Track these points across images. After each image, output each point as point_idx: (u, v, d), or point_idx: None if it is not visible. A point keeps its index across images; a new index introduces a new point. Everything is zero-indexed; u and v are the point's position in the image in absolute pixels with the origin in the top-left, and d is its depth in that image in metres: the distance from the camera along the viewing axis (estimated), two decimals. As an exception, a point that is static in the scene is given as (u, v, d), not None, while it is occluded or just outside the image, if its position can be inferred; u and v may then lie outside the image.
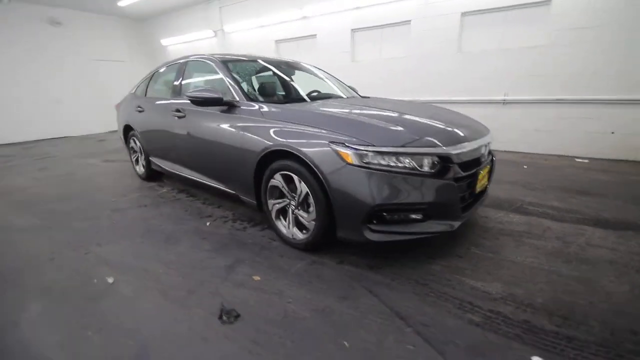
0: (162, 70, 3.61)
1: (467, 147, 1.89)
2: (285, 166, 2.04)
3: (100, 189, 3.76)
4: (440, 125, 2.02)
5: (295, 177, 2.00)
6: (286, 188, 2.12)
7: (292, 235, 2.17)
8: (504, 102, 5.02)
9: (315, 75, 3.43)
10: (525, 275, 1.85)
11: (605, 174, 3.76)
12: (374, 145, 1.73)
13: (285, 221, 2.24)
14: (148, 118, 3.50)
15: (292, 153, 1.98)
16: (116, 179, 4.18)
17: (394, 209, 1.75)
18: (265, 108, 2.26)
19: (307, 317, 1.53)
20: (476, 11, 4.94)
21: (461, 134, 1.96)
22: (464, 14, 5.06)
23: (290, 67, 3.31)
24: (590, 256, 2.03)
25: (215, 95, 2.39)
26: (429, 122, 2.06)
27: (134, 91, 4.04)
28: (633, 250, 2.09)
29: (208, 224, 2.68)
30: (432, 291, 1.71)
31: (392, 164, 1.73)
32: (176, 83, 3.17)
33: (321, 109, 2.29)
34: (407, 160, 1.74)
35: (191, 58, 3.14)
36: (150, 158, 3.72)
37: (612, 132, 4.35)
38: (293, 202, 2.13)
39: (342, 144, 1.77)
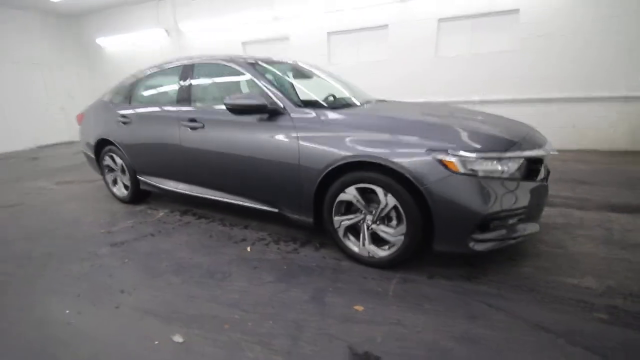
0: (150, 73, 3.07)
1: (549, 148, 1.92)
2: (365, 178, 1.84)
3: (75, 220, 3.05)
4: (519, 129, 2.01)
5: (380, 190, 1.81)
6: (362, 202, 1.91)
7: (369, 253, 1.97)
8: (480, 102, 5.39)
9: (325, 78, 3.18)
10: (604, 266, 1.93)
11: (582, 163, 4.24)
12: (479, 152, 1.64)
13: (356, 238, 2.04)
14: (139, 130, 2.94)
15: (372, 164, 1.79)
16: (88, 205, 3.45)
17: (501, 216, 1.68)
18: (329, 115, 2.02)
19: (455, 348, 1.36)
20: (452, 17, 5.23)
21: (539, 136, 1.98)
22: (440, 20, 5.31)
23: (306, 70, 3.07)
24: (637, 241, 2.22)
25: (259, 102, 2.08)
26: (510, 125, 2.05)
27: (107, 99, 3.38)
28: (665, 231, 2.33)
29: (249, 249, 2.32)
30: (544, 296, 1.67)
31: (495, 169, 1.66)
32: (182, 89, 2.71)
33: (391, 114, 2.13)
34: (510, 165, 1.69)
35: (198, 60, 2.71)
36: (139, 177, 3.15)
37: (573, 126, 4.95)
38: (369, 217, 1.94)
39: (445, 151, 1.65)
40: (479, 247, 1.70)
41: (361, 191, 1.90)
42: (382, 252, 1.93)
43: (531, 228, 1.84)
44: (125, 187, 3.35)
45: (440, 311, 1.59)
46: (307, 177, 2.03)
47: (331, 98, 2.88)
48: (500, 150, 1.68)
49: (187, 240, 2.51)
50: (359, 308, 1.63)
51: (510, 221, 1.75)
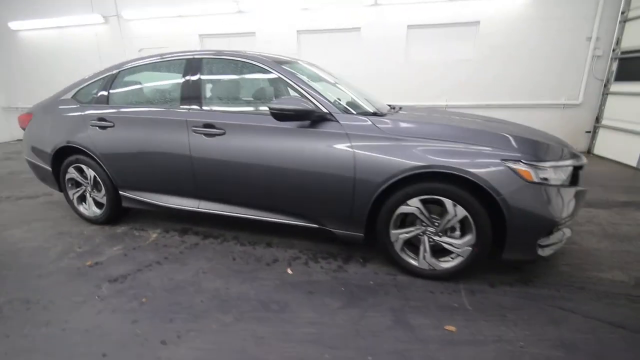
0: (135, 66, 2.55)
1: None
2: (433, 189, 1.78)
3: (37, 250, 2.39)
4: (554, 138, 2.14)
5: (448, 201, 1.77)
6: (426, 214, 1.85)
7: (430, 266, 1.92)
8: (446, 107, 5.78)
9: (327, 78, 3.00)
10: (620, 259, 2.18)
11: (538, 163, 4.83)
12: (548, 160, 1.71)
13: (412, 251, 1.97)
14: (126, 137, 2.43)
15: (439, 174, 1.75)
16: (46, 229, 2.75)
17: (563, 222, 1.77)
18: (389, 122, 1.91)
19: (563, 357, 1.39)
20: (420, 25, 5.48)
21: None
22: (410, 27, 5.53)
23: (311, 71, 2.88)
24: (627, 233, 2.56)
25: (307, 108, 1.88)
26: (548, 135, 2.17)
27: (69, 96, 2.73)
28: (642, 222, 2.74)
29: (289, 271, 2.09)
30: (597, 294, 1.82)
31: (558, 177, 1.75)
32: (188, 88, 2.30)
33: (451, 122, 2.10)
34: (565, 172, 1.79)
35: (207, 54, 2.33)
36: (122, 192, 2.62)
37: (524, 130, 5.61)
38: (431, 229, 1.89)
39: (519, 161, 1.67)
40: (545, 252, 1.78)
41: (423, 202, 1.84)
42: (445, 264, 1.90)
43: (568, 232, 1.99)
44: (98, 204, 2.76)
45: (526, 320, 1.62)
46: (363, 189, 1.89)
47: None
48: (563, 158, 1.78)
49: (211, 267, 2.15)
50: (452, 328, 1.57)
51: (562, 225, 1.87)
